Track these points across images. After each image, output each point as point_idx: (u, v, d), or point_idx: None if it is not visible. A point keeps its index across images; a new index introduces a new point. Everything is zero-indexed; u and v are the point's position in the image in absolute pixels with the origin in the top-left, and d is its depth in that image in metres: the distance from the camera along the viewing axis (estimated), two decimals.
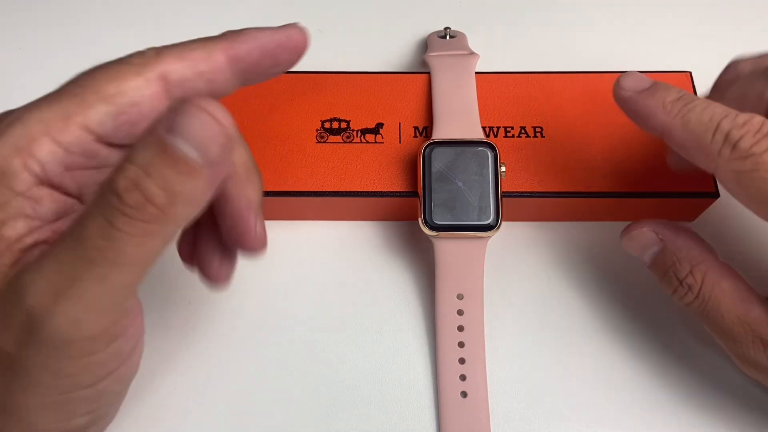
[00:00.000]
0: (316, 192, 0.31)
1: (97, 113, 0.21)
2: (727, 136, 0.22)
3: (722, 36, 0.40)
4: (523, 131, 0.33)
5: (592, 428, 0.29)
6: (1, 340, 0.20)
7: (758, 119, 0.22)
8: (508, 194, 0.31)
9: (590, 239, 0.34)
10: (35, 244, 0.21)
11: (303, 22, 0.40)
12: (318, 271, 0.33)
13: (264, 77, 0.25)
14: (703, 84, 0.34)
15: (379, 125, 0.33)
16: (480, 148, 0.30)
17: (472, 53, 0.35)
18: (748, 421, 0.29)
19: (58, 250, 0.19)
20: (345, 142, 0.32)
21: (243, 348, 0.31)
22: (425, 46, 0.38)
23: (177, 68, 0.22)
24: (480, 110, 0.33)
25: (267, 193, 0.31)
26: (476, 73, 0.34)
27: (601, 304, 0.32)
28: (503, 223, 0.33)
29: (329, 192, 0.31)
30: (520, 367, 0.31)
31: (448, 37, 0.37)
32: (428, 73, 0.34)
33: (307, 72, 0.34)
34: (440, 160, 0.30)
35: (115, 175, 0.18)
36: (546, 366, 0.31)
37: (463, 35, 0.37)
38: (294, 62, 0.25)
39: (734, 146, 0.22)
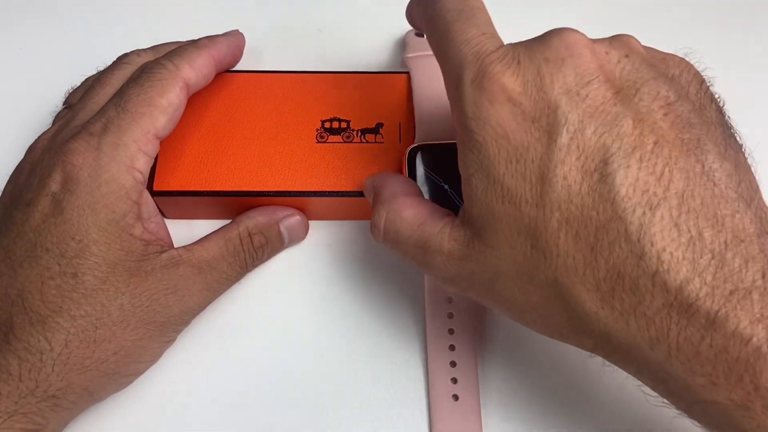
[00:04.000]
0: (316, 192, 0.31)
1: (161, 122, 0.28)
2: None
3: (723, 33, 0.40)
4: None
5: (584, 430, 0.29)
6: None
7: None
8: None
9: None
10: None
11: (303, 22, 0.41)
12: (316, 270, 0.33)
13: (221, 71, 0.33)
14: None
15: (379, 125, 0.33)
16: None
17: None
18: None
19: None
20: (345, 142, 0.32)
21: (238, 346, 0.31)
22: (401, 46, 0.38)
23: (192, 75, 0.29)
24: None
25: (267, 193, 0.31)
26: None
27: None
28: None
29: (329, 192, 0.31)
30: (512, 369, 0.31)
31: (425, 35, 0.37)
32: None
33: (307, 72, 0.34)
34: (425, 163, 0.30)
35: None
36: (537, 368, 0.31)
37: None
38: (239, 60, 0.34)
39: None
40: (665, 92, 0.21)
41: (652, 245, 0.19)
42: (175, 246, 0.29)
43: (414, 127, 0.32)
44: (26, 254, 0.25)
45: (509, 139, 0.21)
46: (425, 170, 0.30)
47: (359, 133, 0.32)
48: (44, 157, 0.27)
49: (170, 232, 0.30)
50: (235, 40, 0.33)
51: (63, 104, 0.32)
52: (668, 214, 0.19)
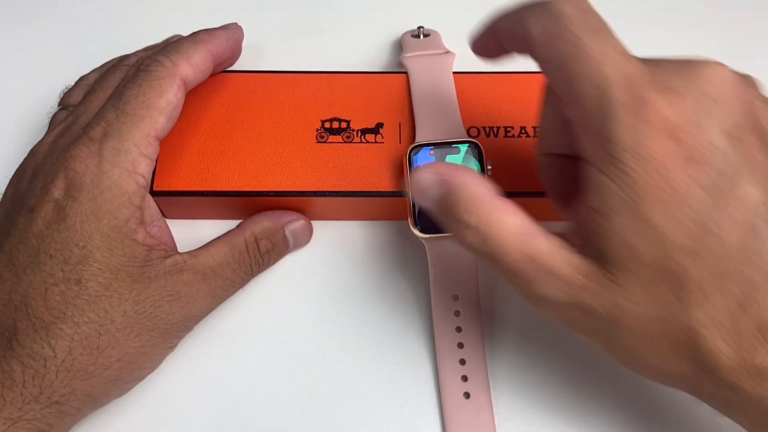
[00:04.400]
0: (317, 192, 0.31)
1: (161, 124, 0.28)
2: (536, 3, 0.22)
3: (723, 37, 0.40)
4: (523, 131, 0.33)
5: (594, 427, 0.29)
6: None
7: None
8: (509, 194, 0.31)
9: None
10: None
11: (303, 22, 0.41)
12: (317, 271, 0.33)
13: (221, 68, 0.33)
14: None
15: (379, 125, 0.33)
16: (464, 148, 0.30)
17: (447, 52, 0.35)
18: None
19: None
20: (345, 142, 0.32)
21: (240, 348, 0.31)
22: (399, 46, 0.38)
23: (189, 72, 0.29)
24: (479, 110, 0.33)
25: (267, 193, 0.31)
26: (476, 73, 0.34)
27: None
28: None
29: (330, 192, 0.31)
30: (522, 364, 0.31)
31: (422, 36, 0.37)
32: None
33: (307, 72, 0.34)
34: (425, 162, 0.30)
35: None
36: (548, 362, 0.31)
37: (437, 33, 0.37)
38: (238, 55, 0.34)
39: (542, 6, 0.22)
40: None
41: None
42: (179, 250, 0.29)
43: (414, 126, 0.32)
44: (30, 260, 0.25)
45: (668, 178, 0.19)
46: None
47: (359, 133, 0.32)
48: (46, 161, 0.27)
49: (171, 232, 0.30)
50: (233, 33, 0.33)
51: (58, 105, 0.32)
52: None
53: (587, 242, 0.21)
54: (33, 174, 0.27)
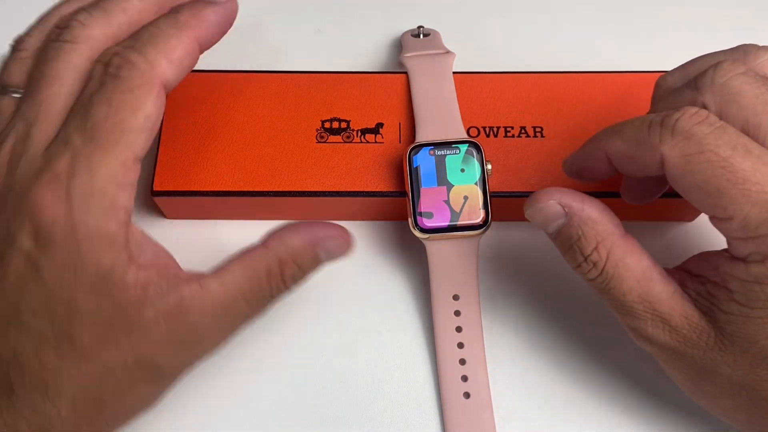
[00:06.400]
0: (316, 192, 0.31)
1: (139, 144, 0.23)
2: (662, 123, 0.22)
3: (723, 35, 0.40)
4: (523, 131, 0.33)
5: (594, 428, 0.29)
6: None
7: (692, 107, 0.22)
8: (508, 194, 0.31)
9: None
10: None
11: (303, 22, 0.40)
12: (317, 271, 0.33)
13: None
14: None
15: (379, 125, 0.33)
16: (464, 148, 0.30)
17: (447, 52, 0.35)
18: None
19: None
20: (345, 142, 0.32)
21: (239, 349, 0.31)
22: (399, 46, 0.38)
23: (170, 73, 0.24)
24: (479, 110, 0.33)
25: (267, 193, 0.31)
26: (477, 73, 0.34)
27: (601, 302, 0.32)
28: (503, 223, 0.33)
29: (329, 192, 0.31)
30: (521, 366, 0.31)
31: (421, 35, 0.37)
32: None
33: (307, 72, 0.34)
34: (425, 162, 0.30)
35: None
36: (546, 365, 0.31)
37: (436, 33, 0.37)
38: (227, 30, 0.27)
39: (673, 129, 0.22)
40: None
41: None
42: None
43: (413, 126, 0.32)
44: (11, 315, 0.22)
45: None
46: (426, 169, 0.30)
47: (359, 133, 0.32)
48: (6, 199, 0.23)
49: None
50: (225, 9, 0.26)
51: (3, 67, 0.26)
52: None
53: (708, 304, 0.23)
54: None
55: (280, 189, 0.31)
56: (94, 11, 0.24)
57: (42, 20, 0.26)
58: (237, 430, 0.29)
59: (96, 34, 0.24)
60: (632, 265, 0.24)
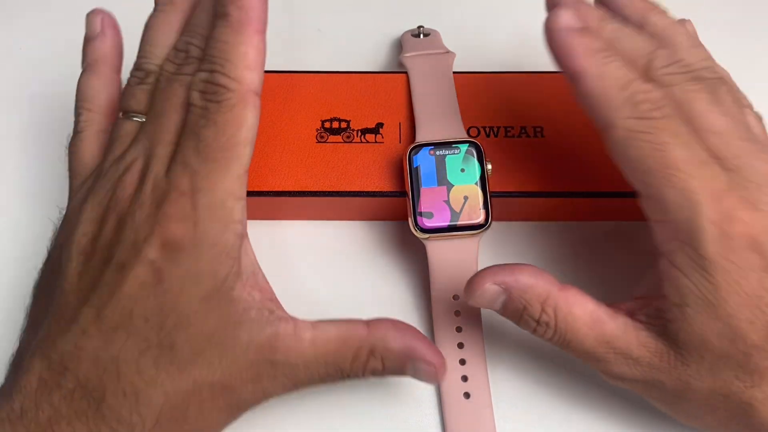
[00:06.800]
0: (316, 192, 0.31)
1: (246, 156, 0.25)
2: (631, 96, 0.24)
3: (723, 36, 0.40)
4: (523, 131, 0.33)
5: (595, 424, 0.29)
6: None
7: (657, 93, 0.24)
8: (509, 194, 0.31)
9: (591, 238, 0.34)
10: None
11: (302, 22, 0.41)
12: (317, 271, 0.33)
13: None
14: None
15: (379, 125, 0.33)
16: (464, 148, 0.30)
17: (447, 51, 0.35)
18: None
19: None
20: (345, 142, 0.32)
21: None
22: (399, 46, 0.38)
23: (257, 80, 0.25)
24: (480, 110, 0.33)
25: (267, 193, 0.31)
26: (477, 73, 0.34)
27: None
28: (503, 223, 0.33)
29: (329, 192, 0.31)
30: (522, 364, 0.31)
31: (421, 35, 0.37)
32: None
33: (307, 72, 0.34)
34: (426, 162, 0.30)
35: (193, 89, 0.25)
36: (548, 362, 0.31)
37: (436, 33, 0.37)
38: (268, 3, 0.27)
39: (635, 105, 0.23)
40: None
41: None
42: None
43: (414, 126, 0.32)
44: (121, 321, 0.23)
45: (747, 287, 0.22)
46: (426, 169, 0.30)
47: (359, 133, 0.32)
48: (135, 211, 0.24)
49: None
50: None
51: (121, 112, 0.27)
52: None
53: (658, 322, 0.24)
54: (119, 222, 0.24)
55: (280, 189, 0.31)
56: (197, 41, 0.26)
57: (152, 42, 0.28)
58: (238, 428, 0.29)
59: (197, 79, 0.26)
60: (579, 313, 0.24)
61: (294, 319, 0.25)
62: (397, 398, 0.30)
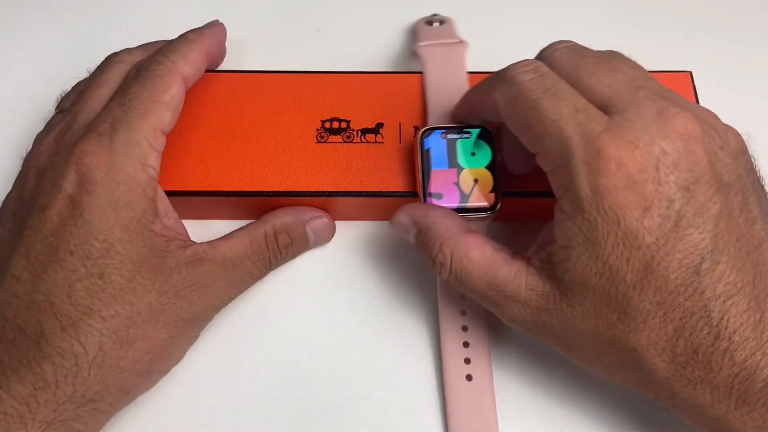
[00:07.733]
0: (317, 192, 0.31)
1: (167, 118, 0.28)
2: (498, 74, 0.26)
3: (723, 35, 0.40)
4: None
5: (597, 415, 0.29)
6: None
7: (527, 60, 0.26)
8: (509, 194, 0.31)
9: None
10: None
11: (302, 22, 0.41)
12: (318, 270, 0.33)
13: (209, 67, 0.33)
14: (704, 84, 0.34)
15: (379, 125, 0.33)
16: (476, 132, 0.30)
17: (461, 41, 0.35)
18: None
19: None
20: (345, 142, 0.32)
21: (241, 346, 0.31)
22: (413, 34, 0.38)
23: (188, 70, 0.29)
24: None
25: (267, 193, 0.31)
26: (477, 72, 0.34)
27: None
28: (503, 223, 0.33)
29: (329, 192, 0.31)
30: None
31: (436, 24, 0.37)
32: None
33: (307, 72, 0.34)
34: (437, 145, 0.30)
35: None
36: (550, 365, 0.31)
37: (451, 21, 0.37)
38: (224, 55, 0.35)
39: (504, 77, 0.25)
40: (750, 197, 0.23)
41: (726, 328, 0.22)
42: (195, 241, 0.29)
43: (419, 121, 0.32)
44: (49, 258, 0.25)
45: (621, 224, 0.22)
46: (437, 152, 0.30)
47: (359, 133, 0.32)
48: (53, 160, 0.27)
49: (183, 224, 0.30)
50: (218, 31, 0.33)
51: (56, 109, 0.32)
52: (742, 301, 0.22)
53: (548, 266, 0.24)
54: (39, 174, 0.27)
55: (280, 189, 0.31)
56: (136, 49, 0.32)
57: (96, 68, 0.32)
58: (241, 426, 0.29)
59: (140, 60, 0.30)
60: (475, 257, 0.25)
61: (208, 241, 0.29)
62: (398, 398, 0.30)
